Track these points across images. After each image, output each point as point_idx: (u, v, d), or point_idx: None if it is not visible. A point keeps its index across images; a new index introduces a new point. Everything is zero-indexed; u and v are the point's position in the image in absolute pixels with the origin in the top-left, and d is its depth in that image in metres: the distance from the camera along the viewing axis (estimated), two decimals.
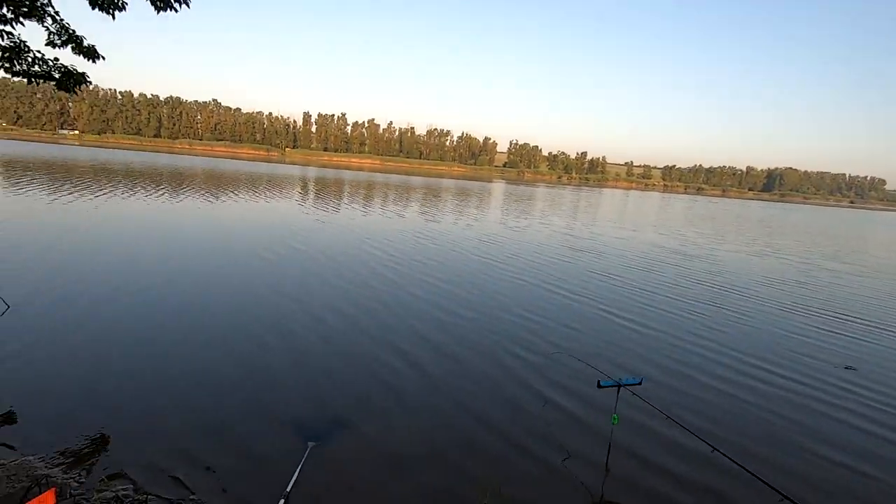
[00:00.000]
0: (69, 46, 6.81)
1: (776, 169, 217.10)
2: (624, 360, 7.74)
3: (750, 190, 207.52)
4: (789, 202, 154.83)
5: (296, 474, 4.22)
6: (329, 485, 4.27)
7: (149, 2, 6.50)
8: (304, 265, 12.22)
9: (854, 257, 25.16)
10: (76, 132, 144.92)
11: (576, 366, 6.91)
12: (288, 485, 4.05)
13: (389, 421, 5.41)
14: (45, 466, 3.90)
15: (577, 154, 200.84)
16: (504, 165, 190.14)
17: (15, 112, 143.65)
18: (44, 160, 40.93)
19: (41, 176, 27.74)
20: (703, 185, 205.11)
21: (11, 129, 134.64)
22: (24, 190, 21.32)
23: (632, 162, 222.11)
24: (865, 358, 8.90)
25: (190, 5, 6.58)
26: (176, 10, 6.66)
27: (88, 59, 6.99)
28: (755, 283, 15.34)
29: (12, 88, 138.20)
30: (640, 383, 5.47)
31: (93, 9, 6.59)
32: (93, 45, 6.91)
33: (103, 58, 7.06)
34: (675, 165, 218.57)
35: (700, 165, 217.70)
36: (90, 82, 7.71)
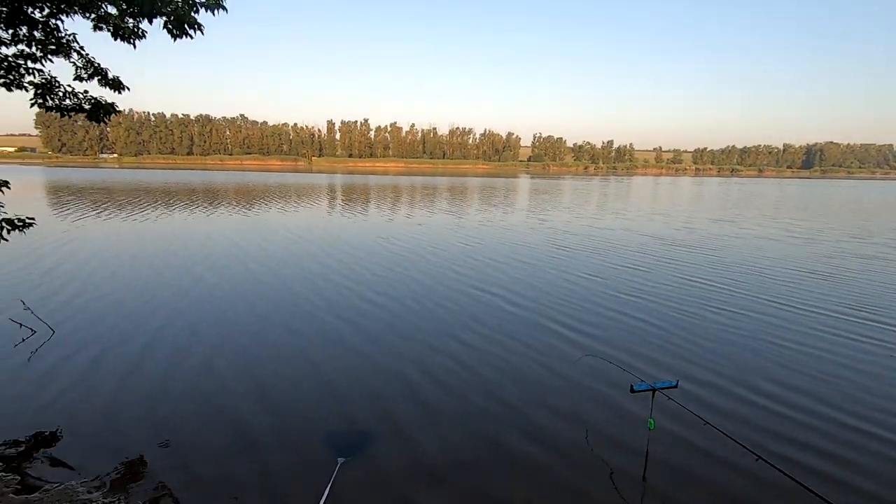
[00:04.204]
0: (95, 79, 7.05)
1: (815, 144, 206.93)
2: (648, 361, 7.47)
3: (788, 168, 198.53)
4: (831, 178, 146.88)
5: (327, 490, 4.24)
6: (358, 500, 4.26)
7: (166, 31, 6.68)
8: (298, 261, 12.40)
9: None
10: (115, 155, 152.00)
11: (606, 369, 6.73)
12: (320, 500, 4.08)
13: (417, 435, 5.37)
14: (87, 491, 4.05)
15: (604, 143, 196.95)
16: (528, 160, 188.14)
17: (59, 140, 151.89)
18: (90, 184, 42.97)
19: (85, 199, 29.17)
20: (738, 167, 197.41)
21: (57, 157, 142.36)
22: (67, 212, 22.45)
23: (660, 147, 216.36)
24: None
25: (204, 32, 6.73)
26: (191, 37, 6.82)
27: (114, 90, 7.23)
28: (780, 270, 14.64)
29: (56, 119, 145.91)
30: (675, 386, 5.26)
31: (115, 40, 6.82)
32: (117, 77, 7.12)
33: (128, 88, 7.27)
34: (706, 148, 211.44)
35: (733, 146, 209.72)
36: (119, 111, 7.93)
